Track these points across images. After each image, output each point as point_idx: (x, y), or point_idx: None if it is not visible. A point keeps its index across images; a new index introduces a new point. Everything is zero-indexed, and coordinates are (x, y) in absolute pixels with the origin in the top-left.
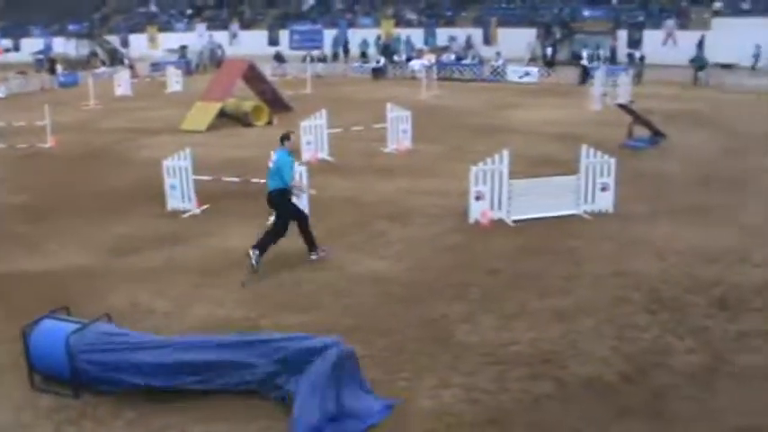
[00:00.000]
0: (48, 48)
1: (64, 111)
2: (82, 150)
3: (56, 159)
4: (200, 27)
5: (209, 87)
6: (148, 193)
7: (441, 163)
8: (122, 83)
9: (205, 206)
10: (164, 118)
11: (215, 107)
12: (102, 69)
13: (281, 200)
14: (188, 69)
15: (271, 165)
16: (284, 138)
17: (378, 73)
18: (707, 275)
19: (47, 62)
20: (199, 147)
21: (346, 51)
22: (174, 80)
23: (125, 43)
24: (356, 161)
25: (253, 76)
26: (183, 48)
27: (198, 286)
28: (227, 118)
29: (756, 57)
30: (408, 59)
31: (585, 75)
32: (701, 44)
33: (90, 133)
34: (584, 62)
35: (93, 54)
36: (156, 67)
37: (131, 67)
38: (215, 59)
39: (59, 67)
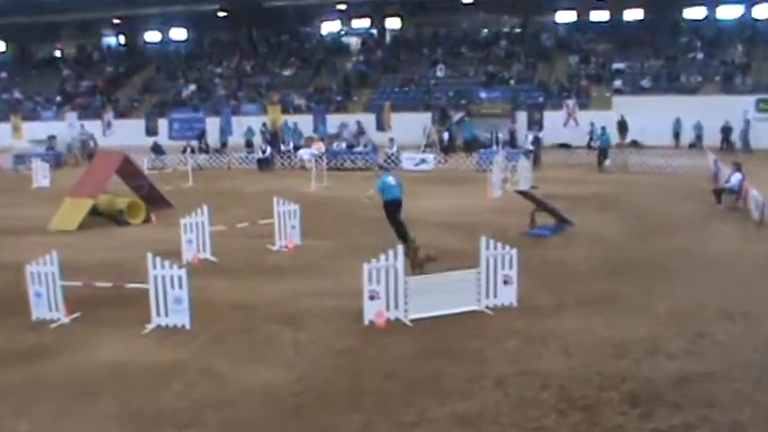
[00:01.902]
0: None
1: None
2: None
3: None
4: (71, 116)
5: (80, 182)
6: (10, 301)
7: (333, 260)
8: None
9: (75, 314)
10: (29, 216)
11: (87, 204)
12: None
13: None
14: (57, 162)
15: (394, 182)
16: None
17: (264, 164)
18: (617, 370)
19: None
20: (68, 249)
21: (224, 144)
22: (41, 174)
23: None
24: (242, 260)
25: (128, 169)
26: (52, 138)
27: (66, 409)
28: (100, 216)
29: (677, 135)
30: (296, 148)
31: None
32: (603, 127)
33: None
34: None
35: None
36: (21, 159)
37: None
38: (87, 151)
39: None
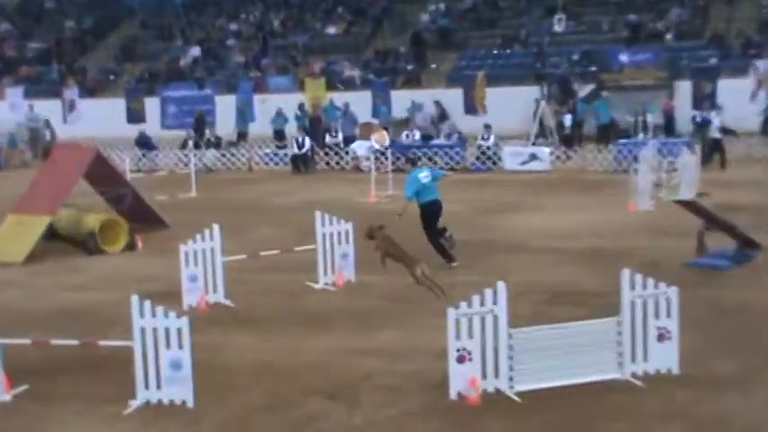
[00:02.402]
0: None
1: None
2: None
3: None
4: (13, 93)
5: (29, 191)
6: None
7: (402, 304)
8: None
9: (21, 388)
10: None
11: (40, 223)
12: None
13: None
14: None
15: (428, 179)
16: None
17: (301, 163)
18: None
19: None
20: (12, 289)
21: (241, 135)
22: None
23: None
24: (269, 305)
25: (102, 172)
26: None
27: None
28: (60, 240)
29: None
30: (348, 141)
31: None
32: None
33: None
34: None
35: None
36: None
37: None
38: (39, 145)
39: None
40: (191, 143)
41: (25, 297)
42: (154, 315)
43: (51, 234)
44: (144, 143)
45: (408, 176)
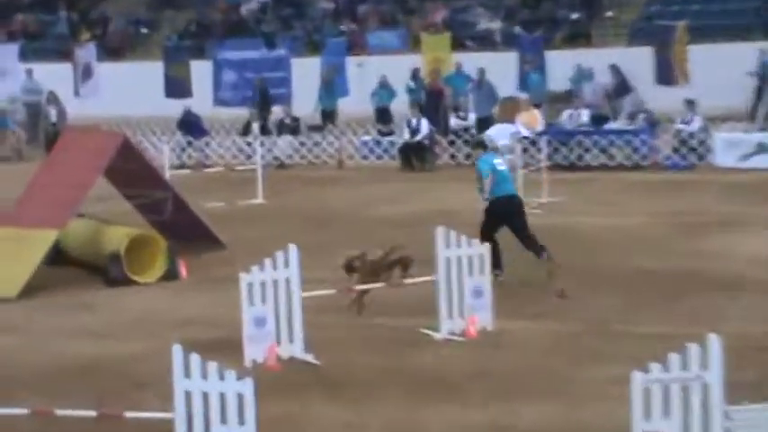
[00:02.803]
0: None
1: None
2: None
3: None
4: (5, 52)
5: (27, 195)
6: None
7: (562, 362)
8: None
9: None
10: None
11: (42, 241)
12: None
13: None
14: None
15: (504, 167)
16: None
17: (415, 155)
18: None
19: None
20: (4, 335)
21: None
22: None
23: None
24: (368, 363)
25: (129, 167)
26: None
27: None
28: (70, 265)
29: None
30: (484, 124)
31: None
32: None
33: None
34: None
35: None
36: None
37: None
38: (41, 128)
39: None
40: (256, 127)
41: (21, 347)
42: (205, 376)
43: (58, 256)
44: (190, 126)
45: (480, 162)
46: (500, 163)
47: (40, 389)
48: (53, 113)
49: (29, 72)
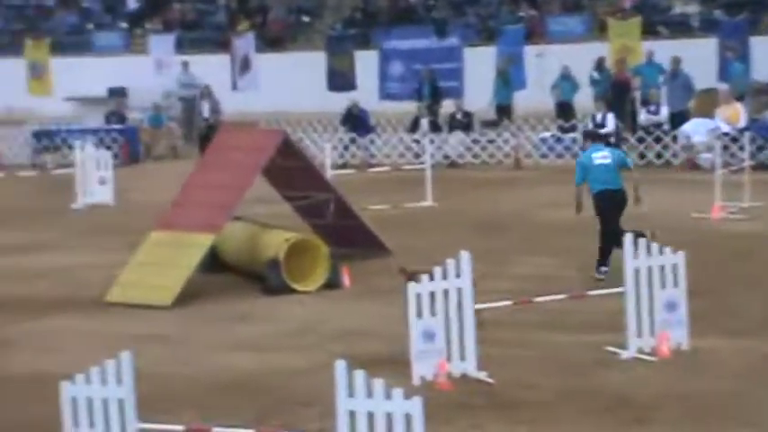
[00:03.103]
0: None
1: None
2: None
3: None
4: (161, 44)
5: (182, 196)
6: None
7: (765, 389)
8: None
9: None
10: (66, 273)
11: (198, 246)
12: None
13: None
14: (129, 149)
15: (606, 161)
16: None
17: None
18: None
19: None
20: (157, 347)
21: (503, 109)
22: (96, 176)
23: None
24: (548, 384)
25: (290, 167)
26: (119, 95)
27: None
28: (225, 271)
29: None
30: (678, 119)
31: None
32: None
33: None
34: None
35: None
36: (49, 140)
37: None
38: (195, 125)
39: None
40: (425, 123)
41: (174, 360)
42: (370, 394)
43: (213, 262)
44: (355, 122)
45: (580, 158)
46: (603, 157)
47: (195, 404)
48: (206, 108)
49: (184, 65)
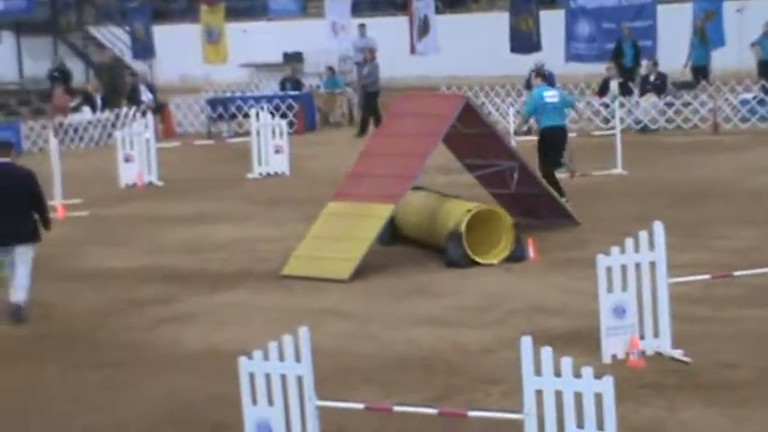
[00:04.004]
0: None
1: None
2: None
3: None
4: (337, 6)
5: (359, 165)
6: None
7: None
8: (136, 154)
9: None
10: (241, 245)
11: (376, 217)
12: (85, 116)
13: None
14: (306, 118)
15: (554, 100)
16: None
17: None
18: None
19: None
20: (336, 321)
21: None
22: (271, 145)
23: (146, 52)
24: (747, 362)
25: (473, 134)
26: (294, 60)
27: None
28: (406, 244)
29: None
30: None
31: None
32: None
33: (47, 282)
34: None
35: (59, 76)
36: (224, 108)
37: (155, 110)
38: (372, 87)
39: None
40: (614, 85)
41: (354, 335)
42: (557, 373)
43: (392, 234)
44: (544, 77)
45: (531, 94)
46: (552, 96)
47: (375, 381)
48: (365, 71)
49: (361, 28)
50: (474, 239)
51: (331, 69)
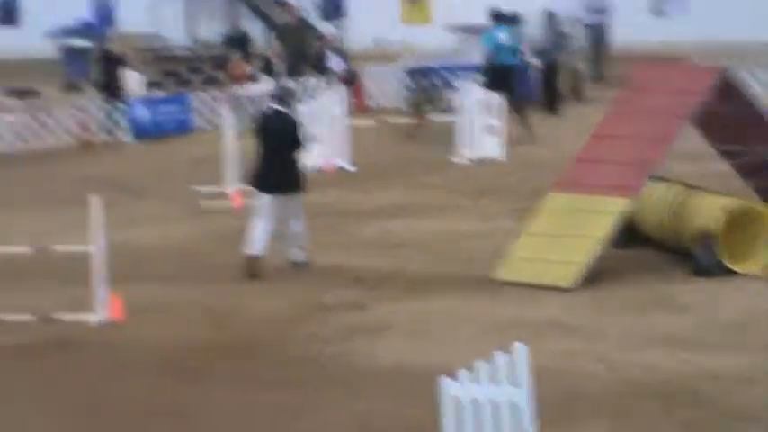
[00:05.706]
0: (101, 23)
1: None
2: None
3: None
4: None
5: (588, 150)
6: None
7: None
8: (323, 133)
9: None
10: (444, 242)
11: (609, 213)
12: (264, 87)
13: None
14: (524, 93)
15: (504, 42)
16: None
17: None
18: None
19: (98, 62)
20: (557, 337)
21: None
22: (483, 125)
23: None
24: None
25: (730, 114)
26: (509, 22)
27: None
28: (645, 246)
29: None
30: None
31: None
32: None
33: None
34: None
35: (235, 41)
36: (426, 78)
37: (348, 81)
38: (603, 59)
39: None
40: None
41: (579, 354)
42: None
43: (629, 234)
44: None
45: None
46: (504, 39)
47: (604, 412)
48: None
49: None
50: (730, 242)
51: (559, 36)
